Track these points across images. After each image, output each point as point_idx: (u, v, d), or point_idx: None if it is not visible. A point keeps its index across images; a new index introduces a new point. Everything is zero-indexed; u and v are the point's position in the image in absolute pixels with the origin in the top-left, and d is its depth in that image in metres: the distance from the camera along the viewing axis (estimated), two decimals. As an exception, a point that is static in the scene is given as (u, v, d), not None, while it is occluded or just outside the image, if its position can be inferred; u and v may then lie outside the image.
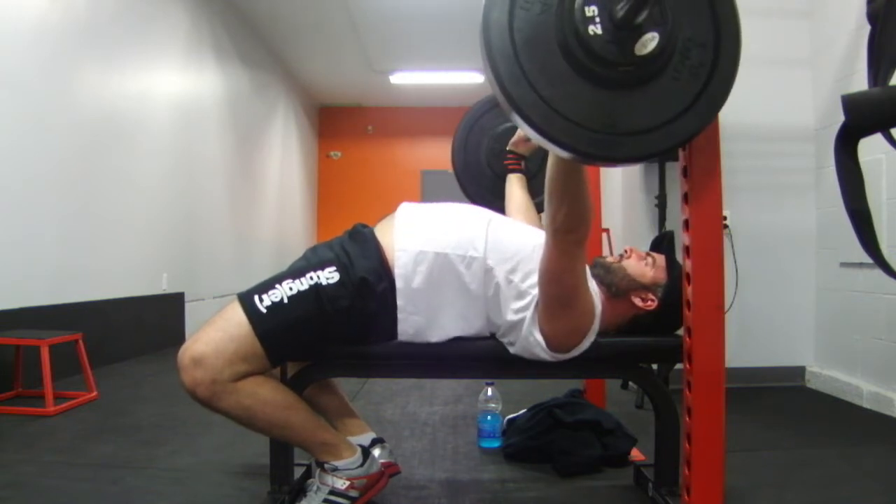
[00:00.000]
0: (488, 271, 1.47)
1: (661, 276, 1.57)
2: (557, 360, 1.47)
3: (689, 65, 1.10)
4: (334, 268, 1.43)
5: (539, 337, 1.44)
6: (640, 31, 1.01)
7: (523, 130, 1.12)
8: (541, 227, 1.86)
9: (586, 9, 1.02)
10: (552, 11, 1.04)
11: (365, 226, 1.56)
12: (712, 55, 1.11)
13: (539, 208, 1.91)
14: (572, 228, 1.32)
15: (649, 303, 1.55)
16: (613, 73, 1.05)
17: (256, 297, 1.39)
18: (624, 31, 1.01)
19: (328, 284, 1.41)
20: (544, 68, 1.05)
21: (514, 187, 1.99)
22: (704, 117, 1.13)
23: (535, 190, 1.97)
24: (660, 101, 1.09)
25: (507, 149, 2.03)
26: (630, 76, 1.06)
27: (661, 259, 1.60)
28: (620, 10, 1.00)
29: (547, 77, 1.05)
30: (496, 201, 2.00)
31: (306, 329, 1.42)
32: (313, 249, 1.53)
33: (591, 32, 1.01)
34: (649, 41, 1.01)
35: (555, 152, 1.17)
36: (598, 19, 1.02)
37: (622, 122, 1.08)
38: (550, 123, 1.05)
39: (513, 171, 2.01)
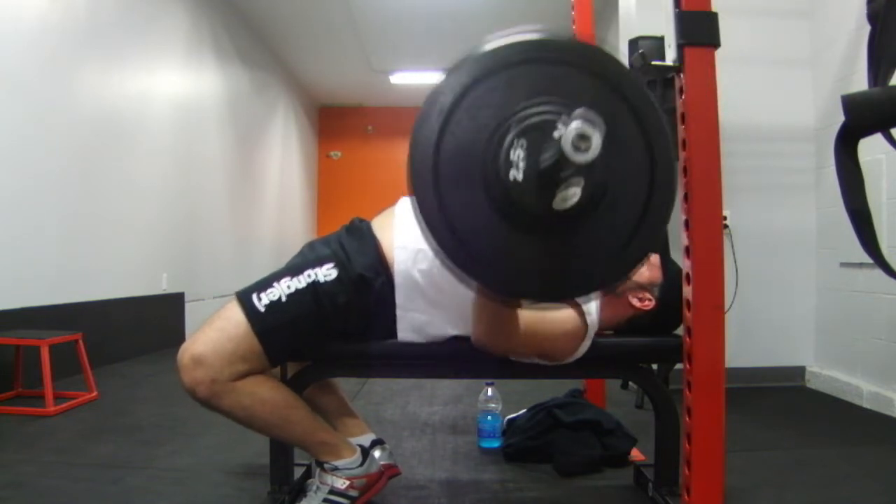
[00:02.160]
0: None
1: (657, 274, 1.57)
2: (556, 364, 1.48)
3: (614, 221, 1.04)
4: (332, 264, 1.42)
5: (535, 358, 1.47)
6: (561, 184, 0.94)
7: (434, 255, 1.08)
8: None
9: (512, 151, 0.96)
10: (480, 144, 0.99)
11: (362, 220, 1.55)
12: (639, 213, 1.04)
13: None
14: (490, 346, 1.39)
15: (647, 303, 1.55)
16: (530, 219, 1.00)
17: (254, 296, 1.39)
18: (545, 181, 0.95)
19: (326, 281, 1.40)
20: (463, 199, 1.01)
21: None
22: (616, 275, 1.08)
23: None
24: (577, 251, 1.05)
25: None
26: (547, 224, 1.01)
27: (655, 258, 1.60)
28: (543, 162, 0.94)
29: (464, 209, 1.01)
30: None
31: (305, 327, 1.41)
32: (310, 245, 1.53)
33: (512, 178, 0.96)
34: (570, 196, 0.95)
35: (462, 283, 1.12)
36: (521, 164, 0.96)
37: (533, 267, 1.04)
38: (454, 255, 1.01)
39: None
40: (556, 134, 0.90)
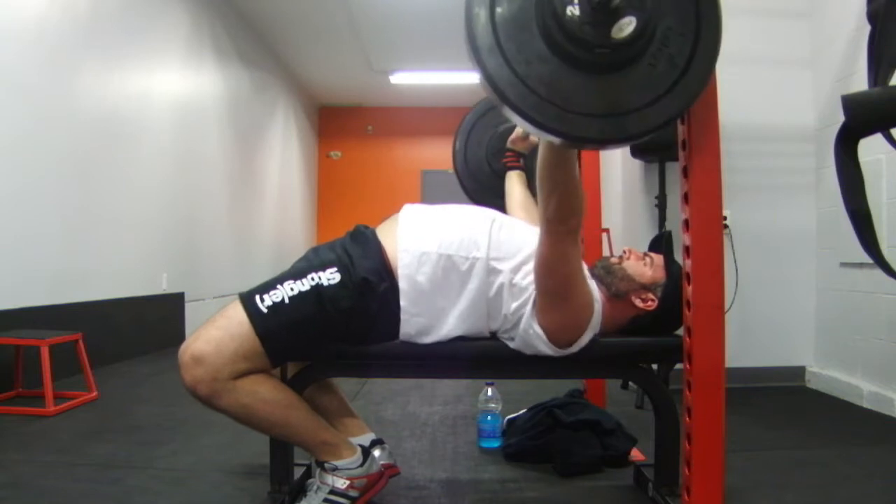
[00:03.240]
0: (491, 272, 1.47)
1: (660, 275, 1.58)
2: (559, 354, 1.47)
3: (667, 53, 1.10)
4: (335, 268, 1.43)
5: (539, 330, 1.44)
6: (617, 15, 1.02)
7: (501, 110, 1.12)
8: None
9: None
10: None
11: (366, 227, 1.56)
12: (691, 47, 1.10)
13: None
14: (563, 218, 1.32)
15: (649, 303, 1.55)
16: (590, 56, 1.05)
17: (258, 297, 1.39)
18: (601, 13, 1.02)
19: (329, 285, 1.41)
20: (523, 49, 1.05)
21: (514, 184, 2.00)
22: (677, 107, 1.13)
23: (534, 187, 1.99)
24: (635, 86, 1.09)
25: (507, 146, 2.04)
26: (606, 59, 1.06)
27: (658, 259, 1.61)
28: None
29: (525, 57, 1.06)
30: (496, 199, 2.02)
31: (307, 329, 1.42)
32: (315, 250, 1.53)
33: (569, 13, 1.02)
34: (626, 25, 1.01)
35: (528, 131, 1.18)
36: (576, 1, 1.02)
37: (597, 105, 1.08)
38: (524, 100, 1.06)
39: (512, 168, 2.03)
40: None
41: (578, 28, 1.02)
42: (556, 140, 1.14)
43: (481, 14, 1.05)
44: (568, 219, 1.33)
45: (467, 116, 2.32)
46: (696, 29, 1.10)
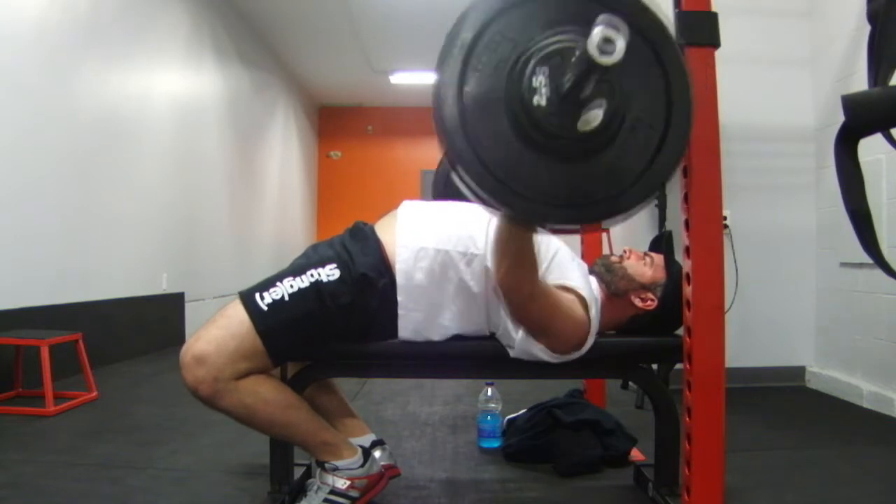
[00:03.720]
0: (488, 269, 1.47)
1: (660, 275, 1.58)
2: (560, 360, 1.46)
3: (636, 143, 1.07)
4: (335, 265, 1.43)
5: (538, 345, 1.44)
6: (585, 106, 0.99)
7: (460, 187, 1.11)
8: None
9: (534, 79, 1.01)
10: (503, 76, 1.03)
11: (365, 223, 1.56)
12: (659, 137, 1.08)
13: None
14: (514, 287, 1.35)
15: (649, 302, 1.55)
16: (554, 144, 1.04)
17: (257, 295, 1.39)
18: (568, 104, 1.00)
19: (329, 281, 1.41)
20: (489, 130, 1.04)
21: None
22: (638, 198, 1.11)
23: None
24: (598, 177, 1.08)
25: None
26: (573, 149, 1.04)
27: (659, 258, 1.61)
28: (566, 84, 0.98)
29: (491, 139, 1.04)
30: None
31: (307, 326, 1.42)
32: (314, 247, 1.53)
33: (536, 103, 1.00)
34: (593, 119, 0.99)
35: (487, 210, 1.16)
36: (544, 90, 1.00)
37: (557, 192, 1.07)
38: (482, 183, 1.05)
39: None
40: (576, 52, 0.95)
41: (544, 118, 1.01)
42: (505, 219, 1.15)
43: (449, 93, 1.04)
44: (518, 288, 1.35)
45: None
46: (667, 118, 1.08)
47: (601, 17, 0.89)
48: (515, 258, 1.32)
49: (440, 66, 1.04)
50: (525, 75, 1.01)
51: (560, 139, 1.03)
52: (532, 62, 1.00)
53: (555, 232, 1.42)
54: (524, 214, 1.10)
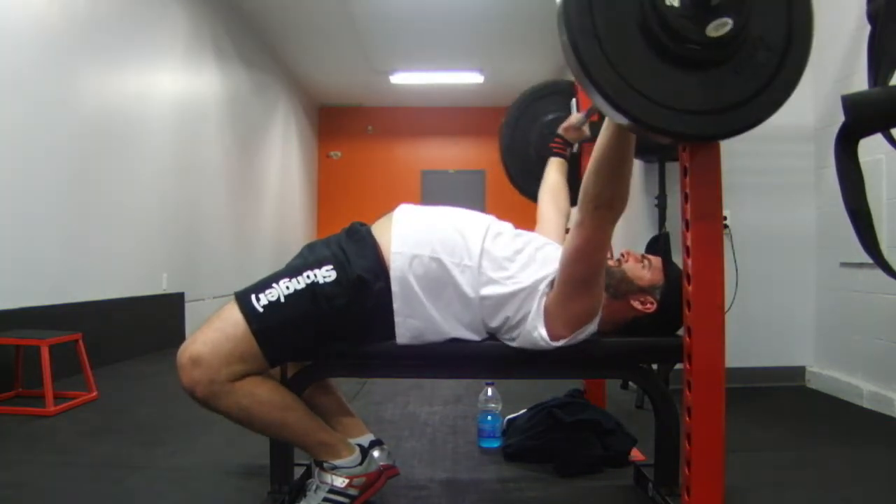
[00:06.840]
0: (483, 279, 1.46)
1: (659, 277, 1.57)
2: (552, 346, 1.45)
3: (754, 63, 1.12)
4: (331, 266, 1.43)
5: (543, 331, 1.44)
6: (715, 13, 1.04)
7: (584, 90, 1.13)
8: (564, 212, 1.92)
9: None
10: None
11: (363, 224, 1.56)
12: (778, 60, 1.13)
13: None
14: (615, 205, 1.35)
15: (648, 306, 1.55)
16: (680, 49, 1.07)
17: (253, 297, 1.39)
18: (700, 9, 1.04)
19: (325, 283, 1.41)
20: (617, 34, 1.07)
21: (553, 170, 2.02)
22: (756, 117, 1.16)
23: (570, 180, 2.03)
24: (716, 88, 1.11)
25: (557, 132, 2.05)
26: (695, 56, 1.08)
27: (656, 261, 1.60)
28: None
29: (617, 43, 1.07)
30: (535, 183, 2.06)
31: (303, 328, 1.41)
32: (310, 247, 1.53)
33: (668, 3, 1.04)
34: (722, 25, 1.03)
35: (601, 109, 1.19)
36: None
37: (677, 99, 1.11)
38: (612, 86, 1.07)
39: (556, 154, 2.04)
40: None
41: (675, 19, 1.04)
42: (624, 122, 1.16)
43: (581, 7, 1.06)
44: (618, 206, 1.35)
45: (521, 97, 2.34)
46: (786, 44, 1.12)
47: None
48: (622, 170, 1.32)
49: None
50: None
51: (686, 43, 1.06)
52: None
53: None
54: (643, 115, 1.11)
